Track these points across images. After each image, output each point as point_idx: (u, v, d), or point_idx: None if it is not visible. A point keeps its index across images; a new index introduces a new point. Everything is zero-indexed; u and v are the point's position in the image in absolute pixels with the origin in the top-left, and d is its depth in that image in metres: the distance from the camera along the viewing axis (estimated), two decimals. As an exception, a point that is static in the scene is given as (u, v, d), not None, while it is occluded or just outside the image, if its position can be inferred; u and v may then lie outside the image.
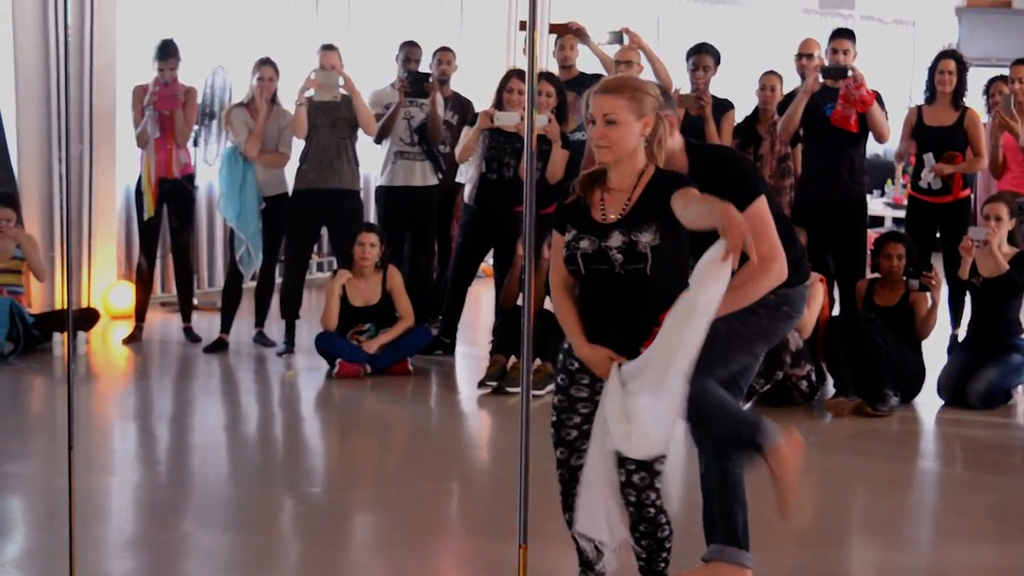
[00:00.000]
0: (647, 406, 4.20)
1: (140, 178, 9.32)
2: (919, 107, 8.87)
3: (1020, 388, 8.35)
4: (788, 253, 4.44)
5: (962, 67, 8.74)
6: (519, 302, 8.49)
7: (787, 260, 4.42)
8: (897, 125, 8.97)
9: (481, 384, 8.21)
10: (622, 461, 4.33)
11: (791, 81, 9.02)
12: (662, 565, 4.56)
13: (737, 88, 9.78)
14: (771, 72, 9.19)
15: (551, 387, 8.08)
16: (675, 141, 4.44)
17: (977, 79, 9.15)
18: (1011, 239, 8.15)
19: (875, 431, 7.40)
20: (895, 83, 9.69)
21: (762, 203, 4.38)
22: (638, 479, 4.35)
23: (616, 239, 4.28)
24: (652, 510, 4.40)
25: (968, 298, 8.45)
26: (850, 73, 8.24)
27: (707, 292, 4.06)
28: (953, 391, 8.09)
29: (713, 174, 4.39)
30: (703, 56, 8.34)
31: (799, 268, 4.59)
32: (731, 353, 4.48)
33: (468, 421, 8.00)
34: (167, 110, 9.11)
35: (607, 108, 4.28)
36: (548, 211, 8.50)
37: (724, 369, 4.49)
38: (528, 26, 3.87)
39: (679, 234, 4.26)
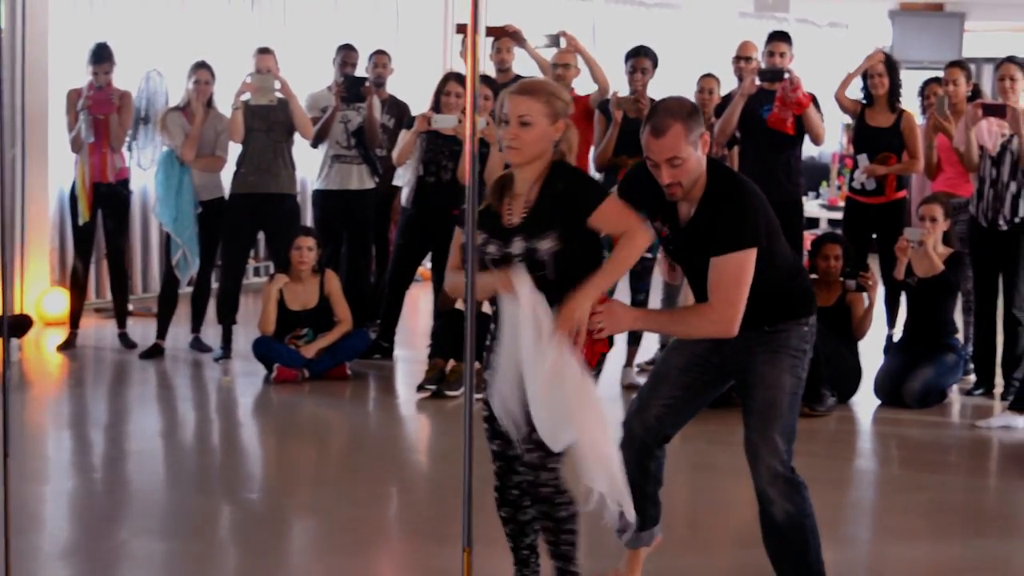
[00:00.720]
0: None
1: (74, 183, 9.22)
2: (863, 107, 8.93)
3: (955, 387, 8.44)
4: (796, 284, 4.55)
5: (892, 68, 8.82)
6: (457, 305, 8.47)
7: (797, 291, 4.55)
8: (832, 127, 9.04)
9: (420, 388, 8.19)
10: (522, 439, 4.41)
11: (729, 83, 9.06)
12: (567, 547, 4.57)
13: (675, 91, 9.79)
14: (708, 75, 9.23)
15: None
16: (701, 162, 4.34)
17: (911, 82, 9.23)
18: (946, 240, 8.23)
19: (812, 431, 7.44)
20: (830, 86, 9.77)
21: (745, 258, 4.28)
22: (533, 457, 4.43)
23: (518, 246, 4.33)
24: (547, 489, 4.45)
25: (904, 298, 8.53)
26: (786, 76, 8.29)
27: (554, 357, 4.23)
28: (889, 391, 8.16)
29: (718, 209, 4.34)
30: (641, 59, 8.36)
31: (809, 298, 4.64)
32: (798, 403, 4.57)
33: (407, 425, 7.98)
34: (102, 114, 9.02)
35: (522, 109, 4.30)
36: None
37: (796, 418, 4.59)
38: (470, 30, 3.87)
39: (584, 235, 4.33)
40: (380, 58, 9.81)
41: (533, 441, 4.41)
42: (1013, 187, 8.05)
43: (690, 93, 9.12)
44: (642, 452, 4.80)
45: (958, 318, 8.57)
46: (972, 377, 8.57)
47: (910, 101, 9.28)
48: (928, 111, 8.97)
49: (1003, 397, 8.20)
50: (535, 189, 4.36)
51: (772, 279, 4.41)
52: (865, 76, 8.89)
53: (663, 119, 4.29)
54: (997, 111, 7.94)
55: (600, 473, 4.34)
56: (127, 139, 9.34)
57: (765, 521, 4.54)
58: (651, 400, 4.78)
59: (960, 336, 8.52)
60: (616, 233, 4.35)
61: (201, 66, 9.06)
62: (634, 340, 8.53)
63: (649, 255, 8.22)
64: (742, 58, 9.08)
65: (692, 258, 4.50)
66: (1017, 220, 8.06)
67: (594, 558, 5.33)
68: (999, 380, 8.36)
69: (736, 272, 4.30)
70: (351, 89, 9.01)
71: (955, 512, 6.24)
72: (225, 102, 9.08)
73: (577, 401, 4.32)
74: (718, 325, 4.34)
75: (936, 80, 9.18)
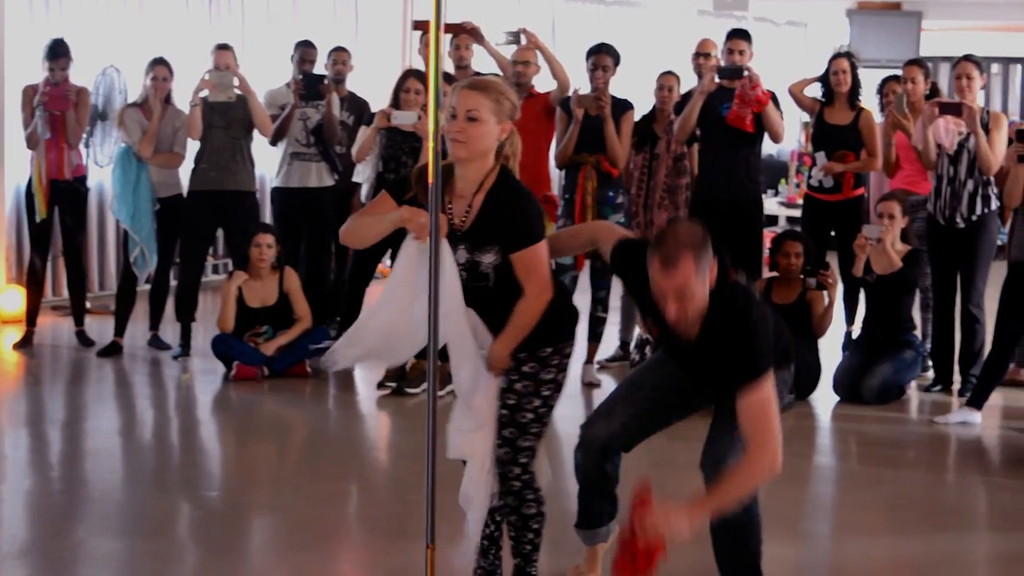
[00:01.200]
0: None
1: (31, 179, 9.16)
2: (821, 104, 8.97)
3: (913, 384, 8.49)
4: (777, 342, 4.41)
5: (854, 67, 8.88)
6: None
7: (776, 348, 4.38)
8: (792, 125, 9.07)
9: (380, 385, 8.18)
10: (504, 440, 4.45)
11: (689, 81, 9.08)
12: (528, 547, 4.62)
13: (634, 88, 9.82)
14: (668, 72, 9.24)
15: (451, 387, 8.10)
16: (706, 293, 4.20)
17: (868, 80, 9.28)
18: (904, 237, 8.27)
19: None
20: (788, 84, 9.82)
21: (767, 387, 4.18)
22: (502, 453, 4.46)
23: (462, 255, 4.30)
24: (517, 484, 4.48)
25: (862, 295, 8.57)
26: (746, 73, 8.30)
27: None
28: (848, 387, 8.20)
29: (725, 340, 4.22)
30: (603, 56, 8.35)
31: (788, 353, 4.60)
32: None
33: (367, 422, 7.95)
34: (58, 110, 8.96)
35: (471, 104, 4.25)
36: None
37: None
38: (433, 27, 3.85)
39: None
40: (339, 55, 9.77)
41: (503, 438, 4.45)
42: (970, 185, 8.10)
43: (650, 90, 9.13)
44: (601, 456, 4.80)
45: (916, 315, 8.62)
46: (930, 374, 8.62)
47: (868, 99, 9.32)
48: (887, 109, 9.03)
49: (961, 393, 8.25)
50: (479, 197, 4.29)
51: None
52: (827, 73, 8.93)
53: (674, 250, 4.10)
54: (953, 109, 7.99)
55: (477, 497, 4.46)
56: (84, 136, 9.28)
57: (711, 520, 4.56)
58: (620, 408, 4.76)
59: (918, 333, 8.56)
60: (522, 281, 4.27)
61: (159, 62, 9.02)
62: (594, 337, 8.53)
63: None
64: (702, 55, 9.10)
65: (694, 365, 4.48)
66: (974, 218, 8.12)
67: (553, 555, 5.34)
68: (957, 376, 8.41)
69: (764, 408, 4.17)
70: (309, 87, 8.97)
71: (914, 507, 6.27)
72: (183, 99, 9.04)
73: (484, 416, 4.41)
74: (771, 468, 4.18)
75: (895, 78, 9.23)
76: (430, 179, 3.78)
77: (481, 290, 4.27)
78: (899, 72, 9.07)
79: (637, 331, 9.17)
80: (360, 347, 4.47)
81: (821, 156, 8.87)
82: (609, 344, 9.10)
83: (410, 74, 8.48)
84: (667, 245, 4.13)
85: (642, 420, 4.75)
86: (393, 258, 9.03)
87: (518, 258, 4.25)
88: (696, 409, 4.82)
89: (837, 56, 9.04)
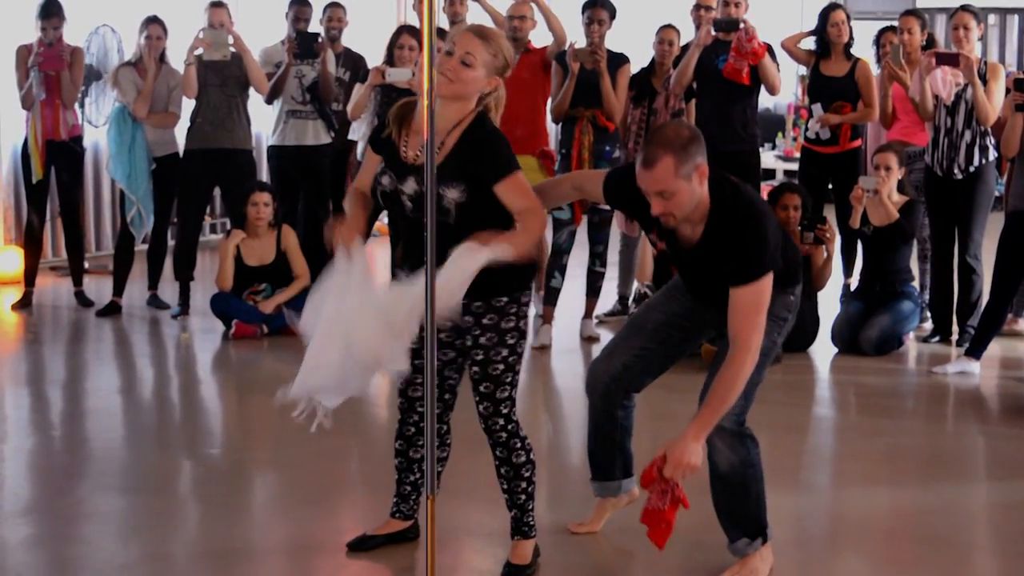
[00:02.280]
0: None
1: (26, 140, 9.14)
2: (816, 56, 8.95)
3: (911, 334, 8.51)
4: (789, 259, 4.51)
5: (849, 18, 8.87)
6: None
7: (789, 264, 4.51)
8: (787, 78, 9.04)
9: (379, 341, 8.17)
10: (482, 396, 4.51)
11: (688, 34, 9.04)
12: (523, 497, 4.67)
13: (633, 42, 9.78)
14: (668, 26, 9.19)
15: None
16: (695, 193, 4.25)
17: (864, 32, 9.25)
18: (901, 188, 8.27)
19: (771, 380, 7.45)
20: (784, 36, 9.78)
21: (763, 285, 4.26)
22: (482, 408, 4.53)
23: (410, 185, 4.35)
24: (503, 435, 4.55)
25: (860, 247, 8.57)
26: (742, 26, 8.28)
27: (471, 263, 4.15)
28: (846, 339, 8.22)
29: (728, 239, 4.29)
30: (598, 10, 8.32)
31: (797, 269, 4.64)
32: (763, 367, 4.54)
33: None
34: (53, 70, 8.94)
35: (470, 47, 4.33)
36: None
37: (758, 380, 4.57)
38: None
39: (490, 192, 4.32)
40: (334, 11, 9.74)
41: (480, 393, 4.51)
42: (968, 136, 8.10)
43: (649, 44, 9.09)
44: (607, 399, 4.85)
45: (914, 266, 8.63)
46: (928, 324, 8.64)
47: (864, 50, 9.30)
48: (883, 60, 9.00)
49: (959, 344, 8.27)
50: (454, 135, 4.34)
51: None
52: (823, 26, 8.89)
53: (654, 150, 4.20)
54: (951, 60, 7.97)
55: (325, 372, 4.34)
56: (79, 95, 9.25)
57: (711, 467, 4.62)
58: (621, 348, 4.80)
59: (916, 284, 8.57)
60: (513, 210, 4.33)
61: (153, 21, 8.99)
62: (592, 292, 8.55)
63: (607, 207, 8.25)
64: (702, 7, 9.06)
65: (698, 272, 4.51)
66: (972, 169, 8.12)
67: (553, 510, 5.37)
68: (955, 327, 8.43)
69: (756, 301, 4.26)
70: (304, 45, 8.94)
71: (913, 457, 6.30)
72: (178, 57, 9.01)
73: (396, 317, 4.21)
74: (751, 356, 4.28)
75: (891, 29, 9.20)
76: (425, 135, 3.76)
77: (442, 224, 4.17)
78: (896, 23, 9.04)
79: (636, 285, 9.18)
80: (316, 384, 4.45)
81: (818, 108, 8.87)
82: (608, 299, 9.11)
83: (404, 30, 8.45)
84: (649, 146, 4.24)
85: (645, 358, 4.77)
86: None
87: (504, 187, 4.31)
88: (699, 340, 4.86)
89: (834, 7, 9.01)
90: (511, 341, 4.47)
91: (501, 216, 4.33)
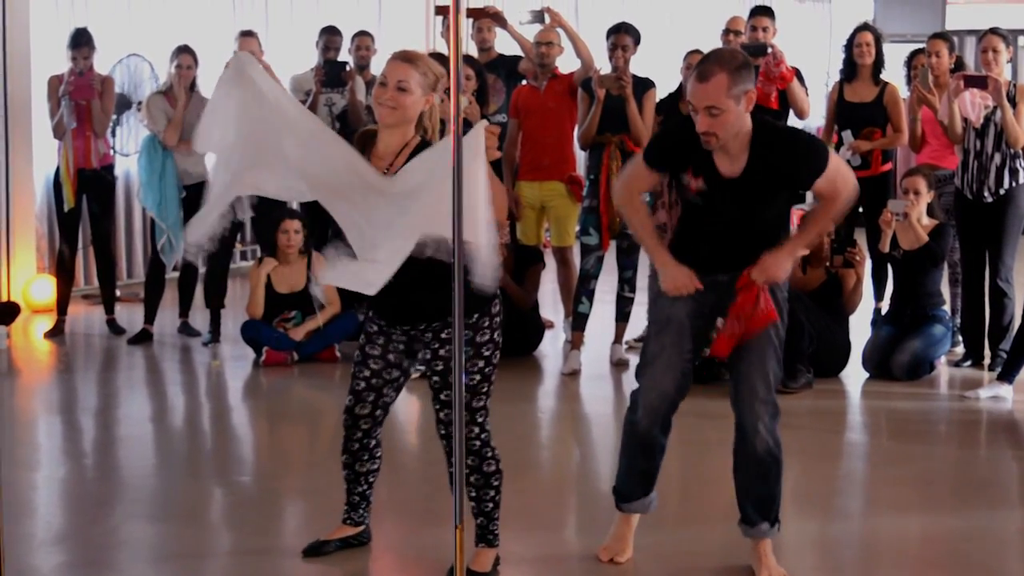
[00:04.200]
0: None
1: (58, 169, 9.20)
2: (840, 83, 8.94)
3: (943, 359, 8.46)
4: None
5: (879, 40, 8.83)
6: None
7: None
8: (816, 101, 9.02)
9: (409, 368, 8.18)
10: (443, 404, 4.73)
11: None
12: (490, 506, 4.84)
13: (659, 68, 9.80)
14: (695, 51, 9.19)
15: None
16: (741, 119, 4.49)
17: (893, 55, 9.23)
18: (930, 211, 8.24)
19: (802, 405, 7.47)
20: (813, 60, 9.78)
21: (834, 157, 4.67)
22: (455, 416, 4.56)
23: None
24: (476, 443, 4.74)
25: (890, 271, 8.54)
26: (769, 50, 8.28)
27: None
28: (878, 363, 8.18)
29: (782, 154, 4.54)
30: (622, 35, 8.32)
31: None
32: (779, 351, 4.77)
33: (396, 405, 7.91)
34: (84, 99, 9.00)
35: (402, 75, 4.58)
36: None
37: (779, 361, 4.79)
38: (452, 11, 3.87)
39: None
40: (363, 40, 9.79)
41: (441, 402, 4.74)
42: (997, 159, 8.07)
43: (676, 69, 9.09)
44: (665, 421, 4.88)
45: (945, 290, 8.59)
46: (960, 348, 8.60)
47: (895, 74, 9.28)
48: (913, 83, 8.98)
49: (991, 368, 8.22)
50: (401, 160, 4.56)
51: (780, 224, 4.68)
52: (850, 47, 8.87)
53: (710, 66, 4.41)
54: (979, 83, 7.95)
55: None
56: (110, 124, 9.31)
57: (745, 449, 4.74)
58: (662, 367, 4.81)
59: (947, 308, 8.54)
60: None
61: (184, 50, 9.04)
62: (622, 317, 8.54)
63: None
64: (731, 32, 9.07)
65: (736, 208, 4.59)
66: (1002, 192, 8.09)
67: (584, 535, 5.37)
68: (987, 351, 8.39)
69: (836, 173, 4.62)
70: (331, 74, 8.99)
71: (945, 483, 6.27)
72: (208, 87, 9.05)
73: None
74: (849, 195, 4.68)
75: (923, 51, 9.17)
76: (452, 161, 3.78)
77: None
78: (924, 46, 9.02)
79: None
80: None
81: (847, 135, 8.83)
82: (637, 324, 9.10)
83: (432, 58, 8.46)
84: (706, 63, 4.45)
85: (691, 359, 4.82)
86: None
87: None
88: (710, 329, 4.83)
89: (860, 29, 8.97)
90: (487, 353, 4.69)
91: None
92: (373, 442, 5.04)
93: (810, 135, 4.81)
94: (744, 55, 4.58)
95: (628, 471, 5.04)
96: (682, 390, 4.84)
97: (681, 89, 8.96)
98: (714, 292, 4.69)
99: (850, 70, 8.89)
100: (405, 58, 4.66)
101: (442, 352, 4.70)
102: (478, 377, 4.70)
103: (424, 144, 4.60)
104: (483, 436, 4.76)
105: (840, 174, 4.65)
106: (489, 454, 4.78)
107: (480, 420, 4.74)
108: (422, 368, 7.98)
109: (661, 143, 4.86)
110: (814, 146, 4.64)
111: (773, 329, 4.67)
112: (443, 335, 4.67)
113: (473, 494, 4.82)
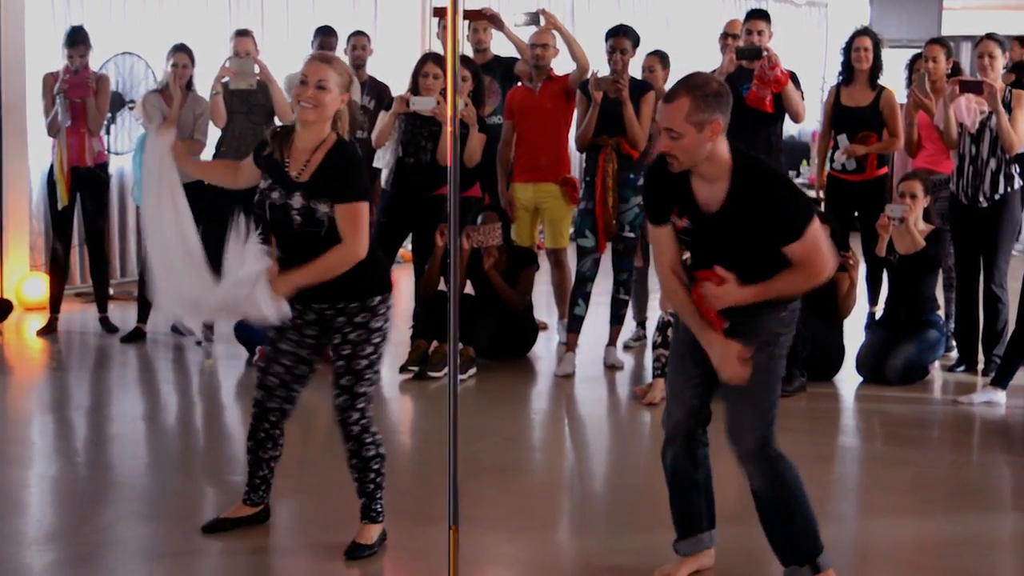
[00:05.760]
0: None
1: (52, 167, 9.19)
2: (837, 87, 8.94)
3: (937, 364, 8.47)
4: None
5: (877, 45, 8.82)
6: (440, 287, 8.47)
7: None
8: (812, 105, 9.02)
9: (403, 369, 8.19)
10: (342, 389, 5.01)
11: (714, 61, 9.03)
12: (371, 487, 5.14)
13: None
14: (656, 52, 9.10)
15: (472, 371, 8.14)
16: (701, 147, 4.33)
17: (889, 60, 9.22)
18: (926, 216, 8.24)
19: (796, 408, 7.46)
20: (809, 64, 9.78)
21: (815, 231, 4.38)
22: (340, 401, 5.03)
23: (298, 200, 4.86)
24: (356, 428, 5.02)
25: (885, 275, 8.54)
26: (765, 54, 8.28)
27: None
28: (872, 368, 8.18)
29: (759, 200, 4.35)
30: (620, 38, 8.32)
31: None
32: (776, 383, 4.66)
33: (390, 406, 7.96)
34: (78, 98, 8.99)
35: (323, 75, 4.89)
36: (466, 194, 8.55)
37: (776, 397, 4.65)
38: (450, 12, 3.86)
39: None
40: (359, 39, 9.78)
41: (340, 387, 5.01)
42: (992, 164, 8.07)
43: (673, 71, 9.08)
44: (689, 440, 4.76)
45: (940, 295, 8.59)
46: (954, 354, 8.60)
47: (893, 78, 9.27)
48: (910, 87, 8.98)
49: (985, 373, 8.23)
50: (318, 155, 4.90)
51: (774, 268, 4.44)
52: (848, 51, 8.87)
53: (676, 88, 4.36)
54: (974, 87, 7.95)
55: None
56: (104, 123, 9.30)
57: (753, 495, 4.63)
58: (682, 383, 4.72)
59: (942, 313, 8.54)
60: (343, 232, 4.82)
61: (180, 49, 9.02)
62: (616, 320, 8.54)
63: (632, 234, 8.25)
64: (729, 35, 9.07)
65: (719, 244, 4.47)
66: (997, 197, 8.09)
67: (578, 538, 5.36)
68: (981, 356, 8.39)
69: (813, 248, 4.38)
70: None
71: (938, 487, 6.27)
72: (204, 85, 9.05)
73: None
74: (825, 274, 4.46)
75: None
76: (446, 160, 3.79)
77: (313, 235, 4.84)
78: (922, 50, 9.01)
79: (659, 313, 9.17)
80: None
81: (843, 139, 8.83)
82: (632, 326, 9.12)
83: (428, 58, 8.46)
84: (677, 84, 4.39)
85: (701, 386, 4.69)
86: (415, 243, 9.09)
87: (342, 209, 4.81)
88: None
89: (859, 33, 8.95)
90: (376, 340, 4.98)
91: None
92: (278, 432, 5.31)
93: (798, 194, 4.48)
94: (720, 83, 4.41)
95: (672, 509, 4.92)
96: (695, 417, 4.71)
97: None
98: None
99: (848, 74, 8.88)
100: (323, 58, 5.02)
101: (352, 336, 4.97)
102: (364, 363, 4.96)
103: (340, 142, 4.91)
104: (363, 422, 5.03)
105: (818, 251, 4.39)
106: (369, 439, 5.06)
107: (360, 406, 5.00)
108: (414, 369, 8.09)
109: (647, 194, 4.71)
110: (796, 208, 4.38)
111: (756, 374, 4.51)
112: (357, 318, 4.96)
113: (355, 475, 5.13)
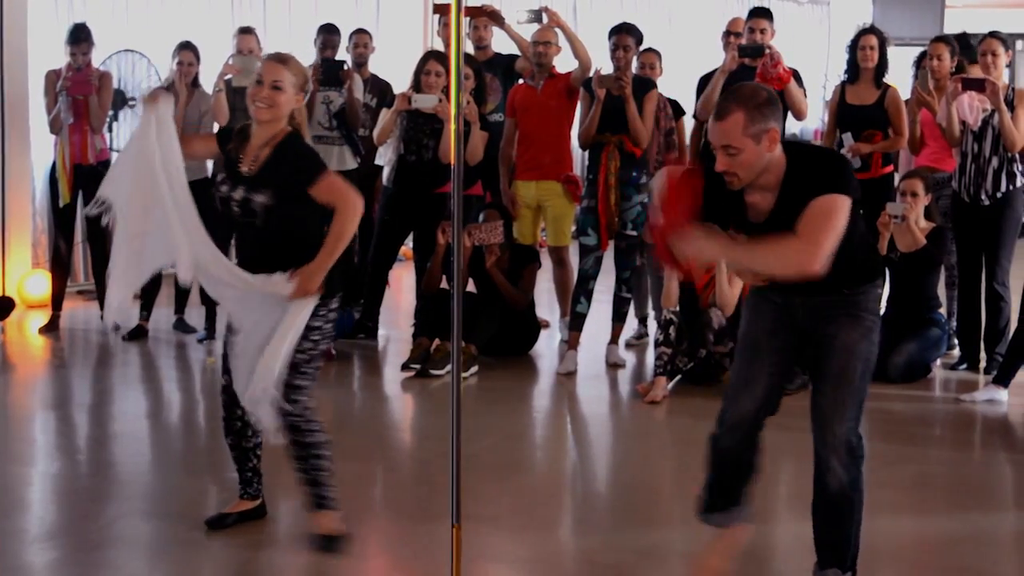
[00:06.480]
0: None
1: (54, 164, 9.19)
2: (842, 85, 8.92)
3: (939, 362, 8.47)
4: (873, 250, 4.64)
5: (883, 43, 8.81)
6: (442, 285, 8.47)
7: (874, 257, 4.65)
8: (814, 103, 9.01)
9: (404, 367, 8.19)
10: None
11: (717, 59, 9.02)
12: (315, 472, 5.15)
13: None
14: (650, 49, 9.09)
15: (474, 369, 8.14)
16: (761, 157, 4.21)
17: (892, 58, 9.21)
18: (928, 214, 8.24)
19: (799, 407, 7.41)
20: (811, 62, 9.79)
21: (838, 201, 4.19)
22: (280, 393, 5.00)
23: (239, 192, 4.98)
24: (294, 419, 5.03)
25: (887, 273, 8.53)
26: (767, 52, 8.27)
27: (297, 315, 4.90)
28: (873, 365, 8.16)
29: (809, 181, 4.23)
30: (624, 36, 8.31)
31: (881, 264, 4.66)
32: (868, 374, 4.54)
33: (392, 404, 7.98)
34: (81, 95, 8.99)
35: (278, 75, 5.00)
36: (468, 192, 8.55)
37: (866, 390, 4.55)
38: (453, 10, 3.87)
39: (301, 199, 4.92)
40: (361, 37, 9.77)
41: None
42: (995, 162, 8.07)
43: (675, 71, 9.08)
44: (754, 428, 4.68)
45: (941, 293, 8.59)
46: (956, 352, 8.60)
47: (898, 76, 9.26)
48: (913, 84, 8.97)
49: (986, 371, 8.23)
50: (267, 150, 4.99)
51: (856, 244, 4.36)
52: (854, 49, 8.84)
53: (727, 104, 4.21)
54: (976, 85, 7.94)
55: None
56: (107, 120, 9.30)
57: (818, 487, 4.52)
58: (756, 374, 4.63)
59: (944, 311, 8.54)
60: (330, 206, 4.91)
61: (185, 47, 9.03)
62: (619, 317, 8.54)
63: (634, 232, 8.24)
64: (732, 33, 9.07)
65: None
66: (999, 195, 8.09)
67: (580, 536, 5.36)
68: (983, 355, 8.38)
69: (828, 211, 4.17)
70: (328, 73, 8.97)
71: (940, 485, 6.27)
72: (207, 83, 9.05)
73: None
74: (801, 256, 4.15)
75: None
76: (450, 159, 3.80)
77: (250, 225, 4.99)
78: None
79: (664, 312, 9.17)
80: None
81: (848, 137, 8.81)
82: (630, 324, 9.11)
83: (430, 56, 8.47)
84: (724, 99, 4.27)
85: (776, 375, 4.62)
86: (417, 241, 9.09)
87: (318, 189, 4.90)
88: (804, 342, 4.60)
89: (865, 32, 8.93)
90: (315, 338, 5.01)
91: (303, 220, 4.98)
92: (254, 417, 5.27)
93: (843, 163, 4.44)
94: (768, 91, 4.30)
95: (709, 485, 4.81)
96: (764, 407, 4.64)
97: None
98: (788, 313, 4.52)
99: (853, 72, 8.85)
100: (279, 59, 5.09)
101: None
102: (303, 357, 4.98)
103: (292, 135, 5.02)
104: (300, 412, 5.05)
105: (826, 227, 4.18)
106: (308, 428, 5.08)
107: (297, 398, 5.02)
108: (416, 367, 8.09)
109: (706, 208, 4.45)
110: (836, 172, 4.28)
111: (855, 360, 4.44)
112: None
113: (297, 465, 5.13)
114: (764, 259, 4.27)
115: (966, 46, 9.01)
